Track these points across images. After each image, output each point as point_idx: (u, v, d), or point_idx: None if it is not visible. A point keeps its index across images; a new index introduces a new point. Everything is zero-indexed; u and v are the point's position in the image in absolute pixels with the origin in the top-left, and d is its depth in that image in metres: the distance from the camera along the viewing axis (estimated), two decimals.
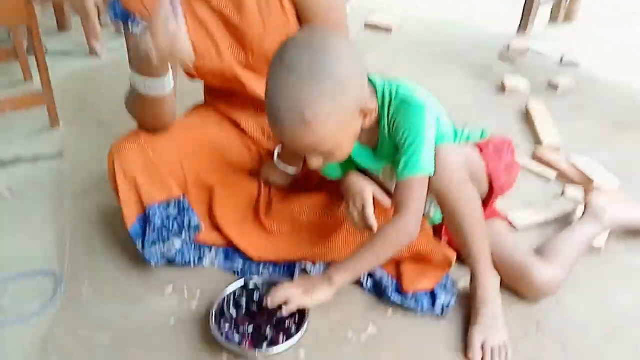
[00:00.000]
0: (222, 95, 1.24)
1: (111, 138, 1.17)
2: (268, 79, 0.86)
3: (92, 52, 2.53)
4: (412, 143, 0.94)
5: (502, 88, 2.19)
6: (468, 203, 1.00)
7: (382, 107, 0.98)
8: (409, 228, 0.97)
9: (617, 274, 1.20)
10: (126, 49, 1.14)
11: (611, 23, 3.03)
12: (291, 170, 1.23)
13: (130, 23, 1.07)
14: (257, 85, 1.14)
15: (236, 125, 1.28)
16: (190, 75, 1.18)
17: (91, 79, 2.36)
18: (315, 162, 0.92)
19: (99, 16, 2.57)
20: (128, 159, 1.10)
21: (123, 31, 1.15)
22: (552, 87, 2.20)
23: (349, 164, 1.12)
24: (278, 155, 1.22)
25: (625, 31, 2.91)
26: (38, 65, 1.76)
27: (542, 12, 2.84)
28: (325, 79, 0.81)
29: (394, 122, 0.97)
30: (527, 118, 1.96)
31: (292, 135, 0.85)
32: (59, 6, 2.79)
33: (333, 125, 0.85)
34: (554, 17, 2.93)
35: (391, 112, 0.98)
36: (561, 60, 2.46)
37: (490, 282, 1.03)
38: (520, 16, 2.77)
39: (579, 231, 1.20)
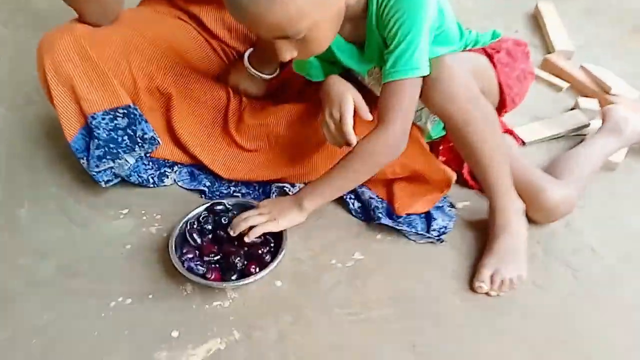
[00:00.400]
0: None
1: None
2: None
3: None
4: (404, 35, 0.76)
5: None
6: (483, 123, 0.84)
7: None
8: (394, 140, 0.81)
9: (634, 194, 1.07)
10: None
11: None
12: (265, 75, 1.04)
13: None
14: None
15: (197, 21, 1.06)
16: None
17: None
18: (286, 52, 0.73)
19: None
20: (61, 57, 0.89)
21: None
22: None
23: (332, 66, 0.93)
24: (249, 58, 1.02)
25: None
26: None
27: None
28: None
29: (385, 7, 0.77)
30: (535, 22, 1.75)
31: (255, 13, 0.65)
32: None
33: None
34: None
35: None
36: None
37: (511, 208, 0.89)
38: None
39: (596, 145, 1.06)
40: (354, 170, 0.84)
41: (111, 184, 0.99)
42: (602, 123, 1.12)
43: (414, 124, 0.93)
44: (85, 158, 0.95)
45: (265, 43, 0.84)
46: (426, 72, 0.78)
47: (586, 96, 1.34)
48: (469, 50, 0.93)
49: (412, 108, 0.81)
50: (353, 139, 0.84)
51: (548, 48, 1.58)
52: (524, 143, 1.15)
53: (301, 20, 0.67)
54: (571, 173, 0.99)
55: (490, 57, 0.92)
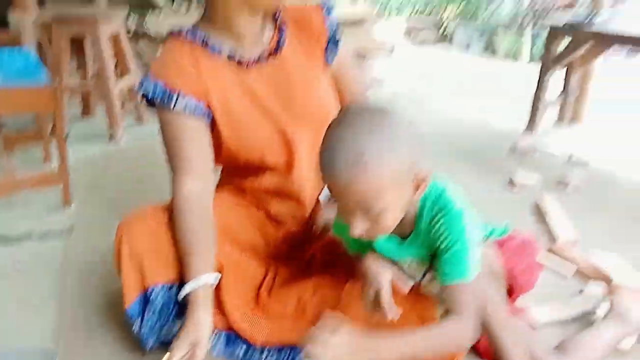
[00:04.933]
0: (248, 174, 1.23)
1: (121, 218, 1.16)
2: (326, 135, 0.85)
3: (112, 138, 2.62)
4: (455, 250, 0.91)
5: (512, 184, 2.20)
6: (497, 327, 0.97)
7: (422, 201, 0.96)
8: (471, 331, 0.91)
9: None
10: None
11: (618, 123, 3.11)
12: None
13: (172, 102, 1.06)
14: (303, 151, 1.15)
15: (260, 206, 1.25)
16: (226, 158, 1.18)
17: (107, 163, 2.42)
18: (359, 227, 0.86)
19: (122, 104, 2.70)
20: (136, 236, 1.08)
21: (154, 112, 1.13)
22: (562, 184, 2.20)
23: (369, 247, 1.08)
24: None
25: (632, 131, 2.98)
26: (58, 148, 1.81)
27: (550, 112, 2.94)
28: (385, 128, 0.82)
29: (435, 225, 0.94)
30: (538, 214, 1.94)
31: (348, 178, 0.80)
32: (86, 95, 2.95)
33: (388, 175, 0.81)
34: (560, 118, 3.02)
35: (432, 211, 0.95)
36: (570, 158, 2.50)
37: None
38: (529, 115, 2.86)
39: (604, 331, 1.13)
40: (432, 342, 0.89)
41: (154, 348, 1.09)
42: (609, 309, 1.21)
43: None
44: (138, 322, 1.07)
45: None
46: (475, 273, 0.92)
47: (592, 280, 1.45)
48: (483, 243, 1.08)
49: (476, 303, 0.93)
50: (392, 311, 0.96)
51: (552, 237, 1.74)
52: (533, 326, 1.23)
53: (381, 198, 0.82)
54: (580, 356, 1.05)
55: (500, 246, 1.07)
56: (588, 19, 2.60)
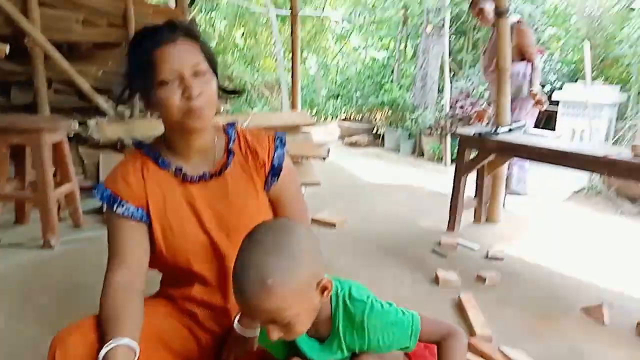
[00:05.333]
0: (180, 283, 1.29)
1: (51, 330, 1.18)
2: (238, 253, 0.96)
3: (46, 244, 2.60)
4: (394, 335, 1.05)
5: (436, 280, 2.37)
6: None
7: (334, 302, 1.06)
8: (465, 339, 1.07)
9: None
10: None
11: (530, 223, 3.45)
12: (249, 333, 1.23)
13: (115, 206, 1.16)
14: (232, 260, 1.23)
15: (189, 314, 1.32)
16: (160, 262, 1.23)
17: (39, 271, 2.38)
18: (274, 333, 0.95)
19: (58, 210, 2.71)
20: (70, 351, 1.10)
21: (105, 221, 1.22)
22: (480, 279, 2.41)
23: (293, 348, 1.15)
24: (239, 320, 1.24)
25: (542, 228, 3.32)
26: None
27: (467, 215, 3.24)
28: (285, 252, 0.93)
29: (352, 327, 1.05)
30: (459, 309, 2.11)
31: (255, 301, 0.91)
32: (20, 202, 2.93)
33: (292, 293, 0.92)
34: (476, 219, 3.32)
35: (347, 313, 1.05)
36: (487, 255, 2.74)
37: None
38: (448, 215, 3.13)
39: None
40: None
41: None
42: None
43: None
44: None
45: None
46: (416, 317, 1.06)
47: None
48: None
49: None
50: None
51: (470, 332, 1.89)
52: None
53: (287, 312, 0.92)
54: None
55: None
56: (493, 131, 3.00)
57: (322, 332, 1.09)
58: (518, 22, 3.79)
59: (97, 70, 4.45)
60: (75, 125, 2.95)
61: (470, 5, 3.97)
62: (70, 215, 2.94)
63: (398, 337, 1.05)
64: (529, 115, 3.87)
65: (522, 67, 3.77)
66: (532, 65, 3.75)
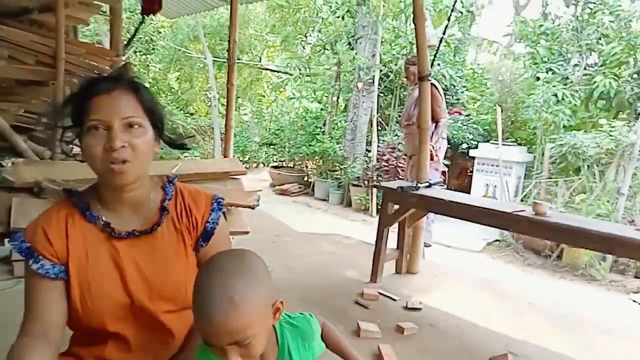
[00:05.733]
0: (92, 342, 1.23)
1: None
2: (197, 282, 0.99)
3: None
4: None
5: (357, 332, 2.44)
6: None
7: (279, 327, 1.13)
8: None
9: None
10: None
11: (446, 274, 3.65)
12: None
13: (30, 261, 1.11)
14: (163, 317, 1.20)
15: None
16: (74, 320, 1.18)
17: None
18: (235, 355, 0.97)
19: None
20: None
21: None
22: (399, 330, 2.50)
23: None
24: None
25: (457, 279, 3.51)
26: None
27: (389, 265, 3.37)
28: (246, 271, 0.99)
29: (303, 340, 1.15)
30: None
31: (222, 319, 0.93)
32: None
33: (255, 310, 0.96)
34: (398, 270, 3.47)
35: (293, 330, 1.15)
36: (406, 305, 2.85)
37: None
38: (371, 268, 3.25)
39: None
40: None
41: None
42: None
43: None
44: None
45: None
46: None
47: None
48: None
49: None
50: None
51: None
52: None
53: (249, 330, 0.95)
54: None
55: None
56: (414, 186, 3.20)
57: (268, 357, 1.12)
58: (432, 85, 4.14)
59: (18, 109, 4.28)
60: None
61: (404, 69, 4.33)
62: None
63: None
64: (431, 169, 4.15)
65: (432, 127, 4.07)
66: (437, 124, 4.12)
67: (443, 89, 6.89)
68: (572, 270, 4.07)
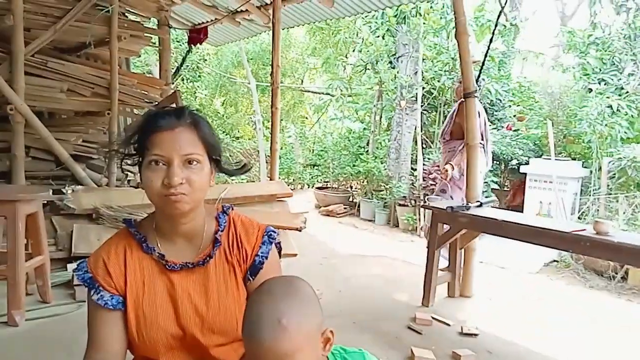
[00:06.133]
0: None
1: None
2: (248, 305, 1.00)
3: (11, 320, 2.50)
4: None
5: (412, 358, 2.36)
6: None
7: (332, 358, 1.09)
8: None
9: None
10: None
11: (502, 297, 3.50)
12: None
13: (92, 291, 1.16)
14: (213, 351, 1.20)
15: None
16: (131, 348, 1.21)
17: (2, 350, 2.28)
18: None
19: (26, 284, 2.64)
20: None
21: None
22: (455, 357, 2.41)
23: None
24: None
25: (515, 303, 3.36)
26: None
27: (441, 288, 3.27)
28: (296, 297, 0.98)
29: None
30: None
31: (269, 342, 0.92)
32: None
33: (303, 336, 0.94)
34: (450, 293, 3.36)
35: None
36: (461, 330, 2.75)
37: None
38: (422, 290, 3.16)
39: None
40: None
41: None
42: None
43: None
44: None
45: None
46: None
47: None
48: None
49: None
50: None
51: None
52: None
53: (296, 355, 0.93)
54: None
55: None
56: (464, 206, 3.11)
57: None
58: (461, 103, 4.02)
59: (77, 138, 4.51)
60: (50, 194, 2.95)
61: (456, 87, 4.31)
62: (38, 288, 2.85)
63: None
64: (454, 187, 4.07)
65: (458, 144, 4.01)
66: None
67: (489, 104, 6.78)
68: None
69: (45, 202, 3.46)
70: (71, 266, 3.22)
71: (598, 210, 5.02)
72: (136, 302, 1.19)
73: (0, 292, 2.72)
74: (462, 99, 4.06)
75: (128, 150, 1.18)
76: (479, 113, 4.00)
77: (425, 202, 5.40)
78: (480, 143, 4.01)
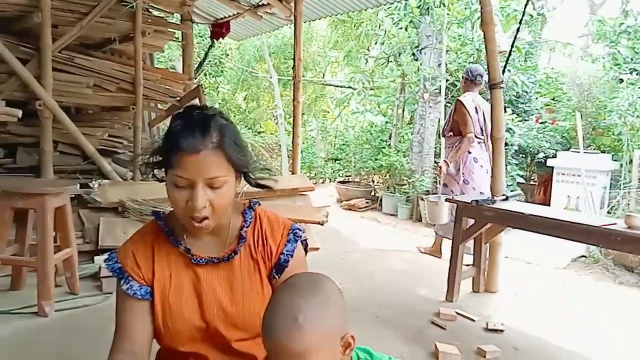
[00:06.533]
0: (177, 358, 1.25)
1: None
2: (270, 300, 0.99)
3: (41, 311, 2.56)
4: None
5: (435, 354, 2.33)
6: None
7: None
8: None
9: None
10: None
11: (528, 292, 3.43)
12: None
13: (121, 281, 1.18)
14: (235, 345, 1.21)
15: None
16: (158, 338, 1.23)
17: (33, 340, 2.34)
18: None
19: (55, 276, 2.70)
20: None
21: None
22: (481, 353, 2.37)
23: None
24: None
25: (541, 299, 3.29)
26: None
27: (465, 283, 3.22)
28: (317, 295, 0.96)
29: None
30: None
31: (284, 339, 0.91)
32: (17, 267, 2.91)
33: (320, 336, 0.93)
34: (475, 288, 3.30)
35: None
36: (487, 326, 2.70)
37: None
38: (446, 286, 3.12)
39: None
40: None
41: None
42: None
43: None
44: None
45: None
46: None
47: None
48: None
49: None
50: None
51: None
52: None
53: (313, 354, 0.92)
54: None
55: None
56: (490, 199, 3.05)
57: None
58: (458, 101, 4.18)
59: (103, 133, 4.59)
60: (77, 188, 3.00)
61: None
62: (66, 280, 2.92)
63: None
64: (452, 182, 4.20)
65: (456, 140, 4.19)
66: (461, 140, 4.12)
67: (514, 96, 6.63)
68: None
69: (73, 195, 3.53)
70: (98, 258, 3.28)
71: (628, 204, 4.87)
72: (163, 294, 1.20)
73: (30, 283, 2.81)
74: (459, 98, 4.25)
75: (154, 159, 1.17)
76: (476, 108, 4.08)
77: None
78: (480, 138, 4.09)
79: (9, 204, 2.61)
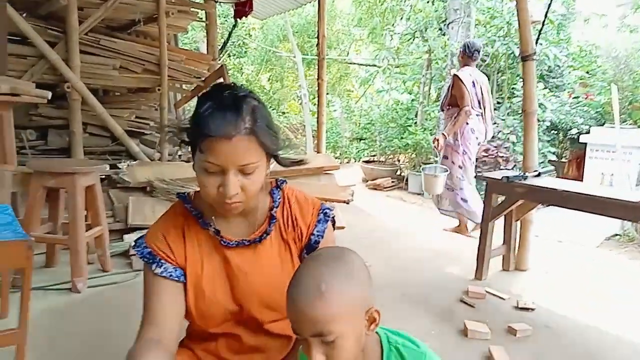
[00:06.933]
0: (207, 338, 1.26)
1: None
2: (297, 270, 0.99)
3: (74, 288, 2.63)
4: None
5: (465, 332, 2.30)
6: None
7: (388, 350, 1.05)
8: None
9: None
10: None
11: (559, 271, 3.35)
12: None
13: (153, 265, 1.15)
14: (268, 326, 1.21)
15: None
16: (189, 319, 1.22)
17: (67, 315, 2.41)
18: (317, 355, 0.93)
19: (87, 253, 2.76)
20: None
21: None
22: (511, 331, 2.32)
23: None
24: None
25: (574, 277, 3.21)
26: (21, 306, 1.73)
27: (495, 261, 3.16)
28: (341, 266, 0.96)
29: None
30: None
31: (306, 307, 0.91)
32: (51, 245, 2.99)
33: (342, 305, 0.92)
34: (505, 266, 3.24)
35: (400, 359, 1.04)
36: (517, 304, 2.65)
37: None
38: (476, 263, 3.07)
39: None
40: None
41: None
42: None
43: None
44: None
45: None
46: None
47: None
48: None
49: None
50: None
51: None
52: None
53: (336, 326, 0.91)
54: None
55: None
56: (521, 175, 2.96)
57: None
58: (455, 76, 4.14)
59: (130, 114, 4.64)
60: (107, 168, 3.05)
61: None
62: (98, 258, 2.98)
63: None
64: (455, 151, 4.18)
65: (455, 112, 4.14)
66: (459, 112, 4.08)
67: (546, 70, 6.40)
68: None
69: (103, 176, 3.59)
70: (128, 237, 3.35)
71: None
72: (195, 276, 1.18)
73: (64, 261, 2.88)
74: (456, 72, 4.21)
75: (182, 138, 1.13)
76: (473, 82, 4.07)
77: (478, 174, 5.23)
78: (477, 111, 4.01)
79: (41, 183, 2.67)
